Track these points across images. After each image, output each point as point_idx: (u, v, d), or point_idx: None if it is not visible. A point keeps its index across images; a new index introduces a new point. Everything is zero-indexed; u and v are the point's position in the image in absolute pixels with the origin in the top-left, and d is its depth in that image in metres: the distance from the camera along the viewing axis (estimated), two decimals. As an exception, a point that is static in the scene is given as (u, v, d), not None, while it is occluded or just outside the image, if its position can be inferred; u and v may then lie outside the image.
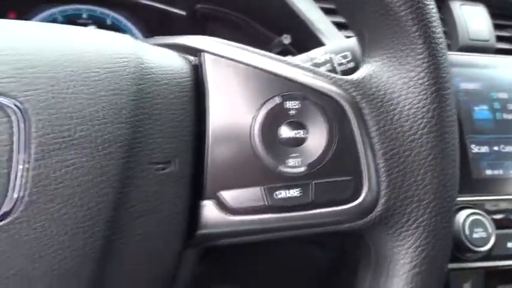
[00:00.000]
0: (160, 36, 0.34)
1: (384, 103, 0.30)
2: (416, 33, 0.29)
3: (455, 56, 0.52)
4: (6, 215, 0.24)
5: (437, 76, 0.30)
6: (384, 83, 0.30)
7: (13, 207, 0.24)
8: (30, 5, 0.65)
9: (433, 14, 0.30)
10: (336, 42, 0.42)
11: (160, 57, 0.30)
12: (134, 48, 0.29)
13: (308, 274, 0.65)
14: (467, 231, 0.44)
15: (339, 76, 0.31)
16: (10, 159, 0.24)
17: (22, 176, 0.24)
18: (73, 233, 0.25)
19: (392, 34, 0.30)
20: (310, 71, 0.31)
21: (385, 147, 0.30)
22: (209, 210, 0.30)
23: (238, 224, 0.30)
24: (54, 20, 0.66)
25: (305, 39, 0.55)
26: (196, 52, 0.32)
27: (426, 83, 0.30)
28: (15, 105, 0.25)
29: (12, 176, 0.24)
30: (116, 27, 0.68)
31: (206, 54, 0.31)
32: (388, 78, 0.30)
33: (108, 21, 0.68)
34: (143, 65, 0.28)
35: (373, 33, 0.31)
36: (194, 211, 0.30)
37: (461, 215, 0.44)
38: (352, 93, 0.30)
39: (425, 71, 0.30)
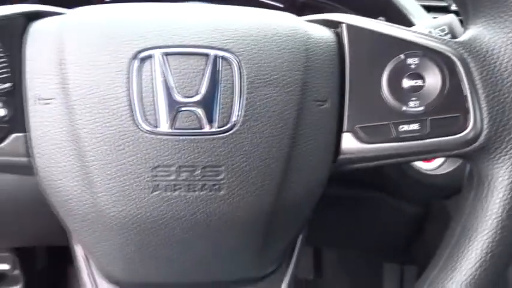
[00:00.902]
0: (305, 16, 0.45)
1: (486, 58, 0.39)
2: None
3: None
4: (231, 127, 0.36)
5: None
6: (486, 43, 0.40)
7: (235, 123, 0.36)
8: None
9: None
10: (431, 19, 0.52)
11: (314, 28, 0.41)
12: (299, 21, 0.41)
13: (395, 229, 0.73)
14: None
15: (449, 38, 0.41)
16: (232, 92, 0.36)
17: (240, 103, 0.36)
18: (268, 141, 0.36)
19: (493, 4, 0.39)
20: (426, 35, 0.41)
21: (487, 91, 0.39)
22: (348, 140, 0.39)
23: (371, 151, 0.40)
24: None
25: (397, 21, 0.64)
26: (336, 24, 0.42)
27: None
28: (235, 58, 0.36)
29: (234, 103, 0.36)
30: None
31: (344, 25, 0.40)
32: (489, 39, 0.40)
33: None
34: (307, 32, 0.40)
35: (475, 4, 0.40)
36: (337, 141, 0.40)
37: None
38: (461, 51, 0.40)
39: None
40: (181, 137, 0.35)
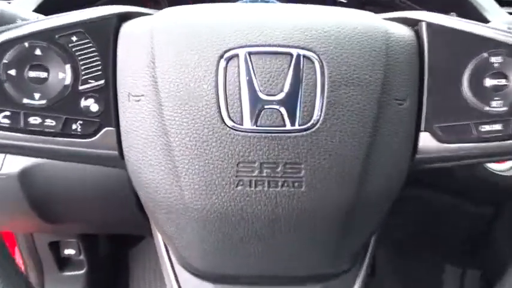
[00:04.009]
0: (383, 13, 0.44)
1: None
2: None
3: None
4: (313, 126, 0.36)
5: None
6: None
7: (316, 122, 0.36)
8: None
9: None
10: (507, 15, 0.50)
11: (394, 26, 0.41)
12: (378, 19, 0.40)
13: (459, 230, 0.71)
14: None
15: None
16: (314, 91, 0.37)
17: (321, 101, 0.36)
18: (348, 139, 0.37)
19: None
20: (509, 32, 0.40)
21: None
22: (426, 140, 0.39)
23: (450, 151, 0.39)
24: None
25: (470, 17, 0.62)
26: (415, 22, 0.41)
27: None
28: (317, 57, 0.36)
29: (316, 102, 0.36)
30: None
31: (424, 23, 0.40)
32: None
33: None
34: (387, 31, 0.39)
35: None
36: (415, 140, 0.40)
37: None
38: None
39: None
40: (264, 134, 0.36)
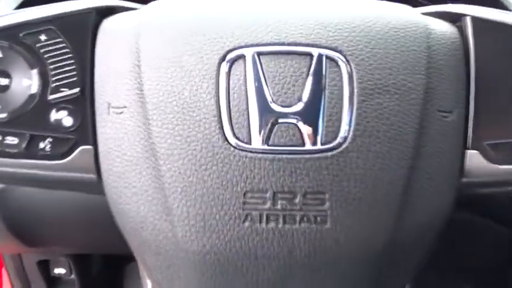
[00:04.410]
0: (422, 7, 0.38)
1: None
2: None
3: None
4: (339, 145, 0.30)
5: None
6: None
7: (343, 140, 0.30)
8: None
9: None
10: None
11: (434, 22, 0.34)
12: (416, 14, 0.34)
13: (489, 252, 0.65)
14: None
15: None
16: (340, 101, 0.30)
17: (350, 114, 0.30)
18: (384, 160, 0.30)
19: None
20: None
21: None
22: (474, 160, 0.33)
23: (503, 174, 0.33)
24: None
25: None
26: (458, 17, 0.35)
27: None
28: (344, 58, 0.30)
29: (343, 114, 0.30)
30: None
31: (468, 18, 0.34)
32: None
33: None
34: (428, 27, 0.33)
35: None
36: (462, 160, 0.33)
37: None
38: None
39: None
40: (278, 156, 0.30)
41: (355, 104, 0.30)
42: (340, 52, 0.30)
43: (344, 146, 0.30)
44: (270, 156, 0.30)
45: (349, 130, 0.30)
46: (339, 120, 0.30)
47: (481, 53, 0.33)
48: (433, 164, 0.32)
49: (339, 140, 0.30)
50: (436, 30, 0.33)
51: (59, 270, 0.90)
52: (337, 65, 0.30)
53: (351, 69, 0.30)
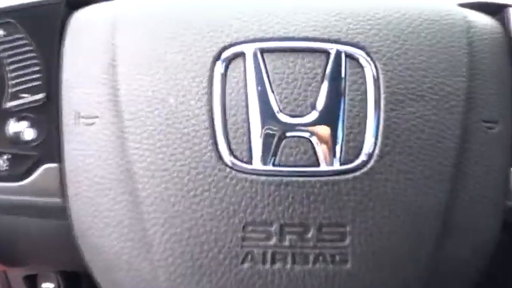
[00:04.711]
0: None
1: None
2: None
3: None
4: (363, 164, 0.24)
5: None
6: None
7: (368, 158, 0.24)
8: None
9: None
10: None
11: (474, 14, 0.30)
12: (452, 5, 0.29)
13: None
14: None
15: None
16: (364, 110, 0.25)
17: (376, 126, 0.25)
18: (419, 183, 0.25)
19: None
20: None
21: None
22: None
23: None
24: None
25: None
26: (499, 8, 0.30)
27: None
28: (368, 57, 0.26)
29: (367, 126, 0.25)
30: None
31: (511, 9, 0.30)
32: None
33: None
34: (467, 20, 0.28)
35: None
36: (506, 179, 0.28)
37: None
38: None
39: None
40: (286, 179, 0.25)
41: (382, 113, 0.25)
42: (362, 49, 0.26)
43: (369, 165, 0.25)
44: (276, 179, 0.25)
45: (375, 145, 0.25)
46: (363, 133, 0.25)
47: None
48: (477, 186, 0.27)
49: (362, 158, 0.25)
50: (477, 23, 0.29)
51: (47, 285, 0.86)
52: (360, 65, 0.26)
53: (377, 70, 0.26)
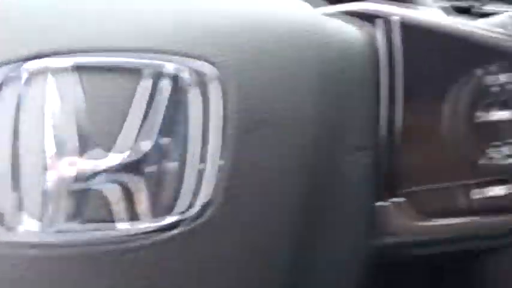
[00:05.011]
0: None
1: None
2: None
3: None
4: (198, 215, 0.19)
5: None
6: None
7: (205, 205, 0.19)
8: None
9: None
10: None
11: (340, 26, 0.26)
12: (315, 15, 0.25)
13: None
14: None
15: None
16: (202, 140, 0.19)
17: (214, 161, 0.19)
18: (266, 231, 0.21)
19: None
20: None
21: None
22: (392, 214, 0.26)
23: (429, 231, 0.27)
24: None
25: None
26: (372, 18, 0.27)
27: None
28: (212, 73, 0.21)
29: (207, 164, 0.19)
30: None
31: (381, 21, 0.27)
32: None
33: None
34: (327, 33, 0.24)
35: None
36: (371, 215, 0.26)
37: None
38: None
39: None
40: (80, 250, 0.18)
41: (227, 144, 0.20)
42: (207, 61, 0.21)
43: (206, 216, 0.20)
44: (64, 250, 0.18)
45: (214, 189, 0.20)
46: (200, 174, 0.20)
47: (408, 66, 0.26)
48: (337, 225, 0.24)
49: (196, 207, 0.20)
50: (340, 38, 0.25)
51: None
52: (202, 83, 0.21)
53: (224, 89, 0.21)
